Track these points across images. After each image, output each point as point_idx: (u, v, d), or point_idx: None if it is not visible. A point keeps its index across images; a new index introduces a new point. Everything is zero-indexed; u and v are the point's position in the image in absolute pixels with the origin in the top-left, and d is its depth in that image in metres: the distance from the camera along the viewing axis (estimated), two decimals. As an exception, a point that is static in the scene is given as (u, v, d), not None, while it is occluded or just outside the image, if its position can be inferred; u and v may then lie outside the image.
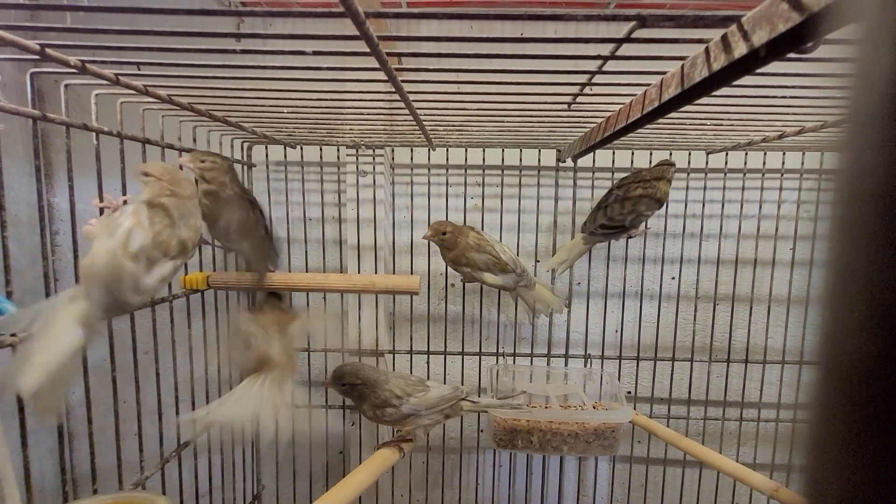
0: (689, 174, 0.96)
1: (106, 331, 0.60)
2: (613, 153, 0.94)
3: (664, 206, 0.89)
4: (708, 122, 0.65)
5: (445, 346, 1.02)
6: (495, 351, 1.02)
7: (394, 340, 1.01)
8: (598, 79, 0.50)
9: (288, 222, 0.99)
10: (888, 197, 0.11)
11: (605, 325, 1.00)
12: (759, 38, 0.29)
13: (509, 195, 0.99)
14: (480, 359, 1.01)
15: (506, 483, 1.07)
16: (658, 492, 1.05)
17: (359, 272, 0.95)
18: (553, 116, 0.66)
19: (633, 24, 0.35)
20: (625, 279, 0.99)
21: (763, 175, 0.94)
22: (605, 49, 0.42)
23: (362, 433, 0.98)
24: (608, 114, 0.61)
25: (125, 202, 0.56)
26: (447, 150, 0.96)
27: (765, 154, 0.93)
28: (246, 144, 0.93)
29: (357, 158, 0.93)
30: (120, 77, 0.52)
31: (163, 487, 0.73)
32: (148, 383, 0.70)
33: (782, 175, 0.93)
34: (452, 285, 1.03)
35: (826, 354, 0.12)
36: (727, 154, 0.92)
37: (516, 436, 0.82)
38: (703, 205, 0.95)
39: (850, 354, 0.11)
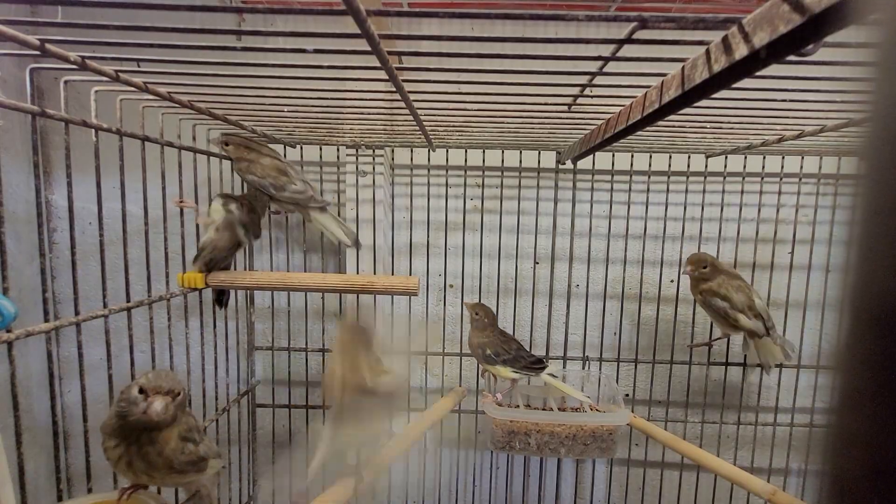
0: (688, 177, 0.96)
1: (104, 328, 0.60)
2: (613, 156, 0.95)
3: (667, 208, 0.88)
4: (708, 125, 0.65)
5: (444, 347, 1.02)
6: (493, 352, 1.02)
7: (391, 341, 1.01)
8: (598, 80, 0.50)
9: (287, 222, 0.99)
10: None
11: (603, 328, 1.00)
12: (760, 39, 0.29)
13: (509, 197, 0.99)
14: (478, 360, 1.01)
15: (503, 485, 1.07)
16: (655, 494, 1.04)
17: (357, 272, 0.94)
18: (553, 118, 0.66)
19: (633, 25, 0.35)
20: (623, 281, 0.99)
21: (762, 179, 0.94)
22: (606, 50, 0.42)
23: (359, 434, 0.98)
24: (608, 116, 0.61)
25: None
26: (447, 150, 0.96)
27: (764, 158, 0.93)
28: (245, 143, 0.92)
29: (357, 158, 0.93)
30: (120, 74, 0.52)
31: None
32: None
33: (781, 179, 0.94)
34: (451, 286, 1.03)
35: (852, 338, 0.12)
36: (727, 157, 0.92)
37: (514, 438, 0.82)
38: (702, 208, 0.95)
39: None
